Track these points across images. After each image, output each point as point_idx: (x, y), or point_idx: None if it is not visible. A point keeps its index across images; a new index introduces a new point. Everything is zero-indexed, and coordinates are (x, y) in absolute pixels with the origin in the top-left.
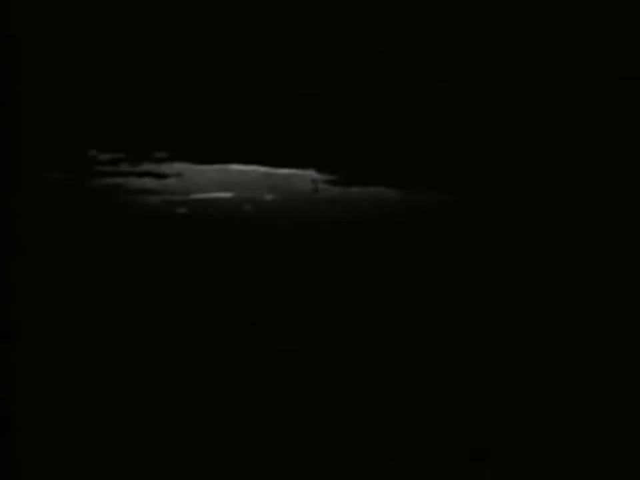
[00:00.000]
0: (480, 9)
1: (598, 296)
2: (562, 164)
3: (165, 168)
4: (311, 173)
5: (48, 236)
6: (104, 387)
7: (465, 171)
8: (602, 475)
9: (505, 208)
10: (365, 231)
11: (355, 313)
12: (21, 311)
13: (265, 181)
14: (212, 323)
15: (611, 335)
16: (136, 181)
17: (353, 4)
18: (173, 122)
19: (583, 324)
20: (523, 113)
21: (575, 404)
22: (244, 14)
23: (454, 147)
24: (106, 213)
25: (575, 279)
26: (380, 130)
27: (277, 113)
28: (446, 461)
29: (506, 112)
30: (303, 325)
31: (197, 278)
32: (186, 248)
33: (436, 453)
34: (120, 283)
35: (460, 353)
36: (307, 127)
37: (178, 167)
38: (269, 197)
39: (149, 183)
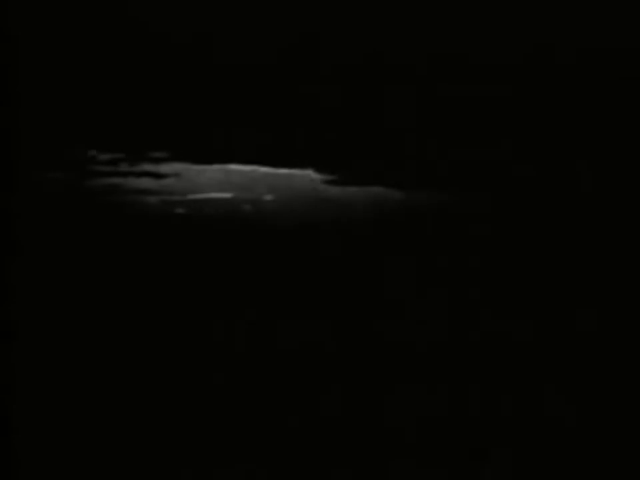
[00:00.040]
0: (480, 9)
1: (598, 296)
2: (562, 164)
3: (163, 168)
4: (310, 173)
5: (47, 236)
6: (104, 386)
7: (465, 171)
8: (602, 475)
9: (505, 208)
10: (364, 230)
11: (355, 313)
12: (20, 311)
13: (264, 181)
14: (212, 323)
15: (611, 335)
16: (135, 180)
17: (353, 4)
18: (171, 122)
19: (582, 324)
20: (523, 112)
21: (575, 404)
22: (244, 14)
23: (454, 147)
24: (105, 213)
25: (575, 278)
26: (380, 130)
27: (276, 113)
28: (446, 460)
29: (506, 112)
30: (303, 324)
31: (196, 278)
32: (185, 248)
33: (436, 452)
34: (119, 283)
35: (460, 353)
36: (307, 127)
37: (177, 167)
38: (268, 197)
39: (147, 183)
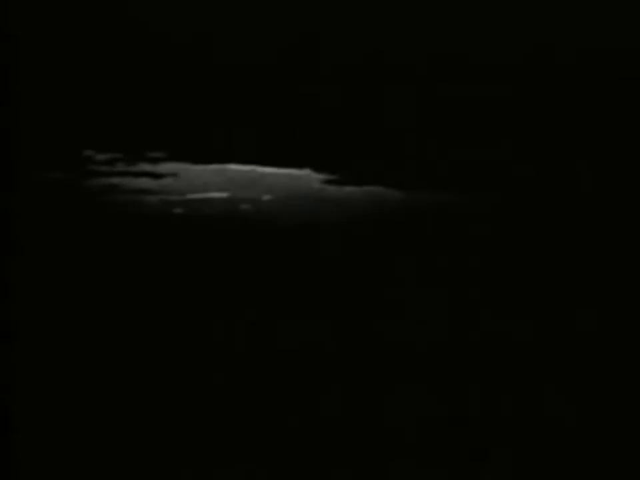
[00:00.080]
0: (480, 9)
1: (598, 296)
2: (562, 164)
3: (162, 168)
4: (309, 173)
5: (47, 236)
6: (104, 386)
7: (465, 171)
8: (602, 474)
9: (505, 208)
10: (365, 230)
11: (355, 313)
12: (20, 311)
13: (263, 180)
14: (212, 322)
15: (611, 335)
16: (133, 180)
17: (353, 4)
18: (170, 122)
19: (583, 324)
20: (523, 112)
21: (575, 404)
22: (244, 14)
23: (454, 147)
24: (103, 213)
25: (575, 278)
26: (380, 130)
27: (275, 113)
28: (446, 460)
29: (506, 112)
30: (303, 324)
31: (195, 278)
32: (183, 248)
33: (436, 452)
34: (118, 283)
35: (460, 353)
36: (306, 126)
37: (175, 166)
38: (267, 196)
39: (145, 182)
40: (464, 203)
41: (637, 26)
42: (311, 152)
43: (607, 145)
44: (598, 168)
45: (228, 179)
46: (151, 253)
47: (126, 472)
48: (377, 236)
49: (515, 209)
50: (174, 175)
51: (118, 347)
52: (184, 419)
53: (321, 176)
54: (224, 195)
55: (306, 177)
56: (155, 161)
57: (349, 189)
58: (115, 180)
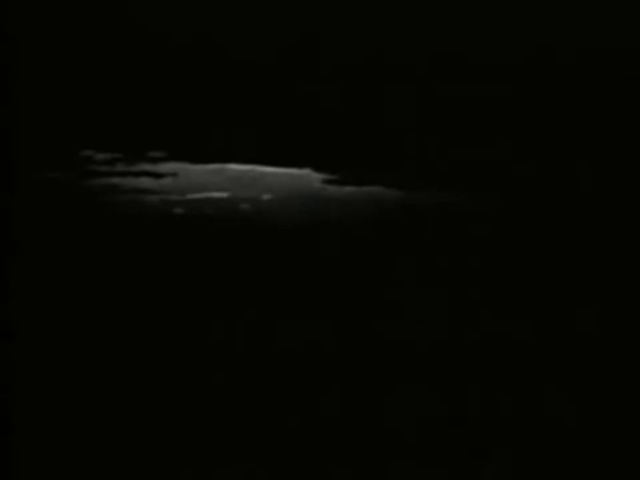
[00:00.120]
0: (480, 9)
1: (598, 296)
2: (562, 164)
3: (162, 167)
4: (309, 172)
5: (47, 236)
6: (104, 386)
7: (465, 171)
8: (602, 474)
9: (505, 208)
10: (364, 230)
11: (355, 313)
12: (20, 311)
13: (263, 180)
14: (211, 322)
15: (611, 335)
16: (133, 180)
17: (353, 4)
18: (170, 121)
19: (582, 324)
20: (523, 113)
21: (575, 404)
22: (244, 14)
23: (454, 147)
24: (103, 213)
25: (575, 278)
26: (380, 130)
27: (275, 113)
28: (446, 460)
29: (506, 112)
30: (303, 324)
31: (195, 278)
32: (183, 248)
33: (436, 453)
34: (118, 284)
35: (460, 353)
36: (306, 126)
37: (175, 166)
38: (267, 196)
39: (146, 182)
40: (464, 203)
41: (636, 26)
42: (311, 152)
43: (607, 145)
44: (598, 168)
45: (228, 179)
46: (151, 253)
47: (126, 472)
48: (377, 236)
49: (514, 209)
50: (174, 174)
51: (118, 347)
52: (184, 419)
53: (321, 176)
54: (224, 194)
55: (306, 177)
56: (155, 160)
57: (348, 189)
58: (115, 180)
